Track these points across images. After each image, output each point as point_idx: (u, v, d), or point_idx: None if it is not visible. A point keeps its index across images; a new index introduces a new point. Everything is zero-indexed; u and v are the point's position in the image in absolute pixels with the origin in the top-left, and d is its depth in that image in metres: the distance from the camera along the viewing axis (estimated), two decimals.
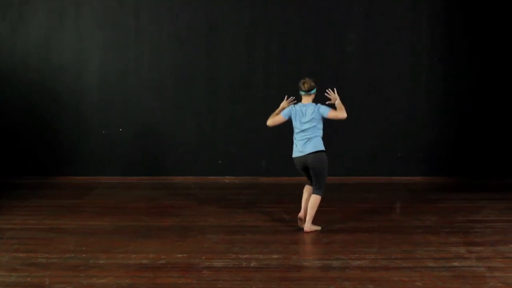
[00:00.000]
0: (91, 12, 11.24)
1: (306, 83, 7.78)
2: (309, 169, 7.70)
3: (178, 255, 6.81)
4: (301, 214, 7.82)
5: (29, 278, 6.08)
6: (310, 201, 7.69)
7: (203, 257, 6.72)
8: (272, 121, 7.85)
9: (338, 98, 7.82)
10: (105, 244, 7.27)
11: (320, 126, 7.71)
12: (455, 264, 6.53)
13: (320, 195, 7.71)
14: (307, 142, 7.62)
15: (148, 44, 11.30)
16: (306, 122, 7.65)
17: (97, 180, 11.14)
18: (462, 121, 11.38)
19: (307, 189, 7.89)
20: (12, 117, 11.26)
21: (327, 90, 7.87)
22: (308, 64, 11.16)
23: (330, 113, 7.66)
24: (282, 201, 9.59)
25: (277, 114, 7.85)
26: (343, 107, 7.70)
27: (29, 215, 8.69)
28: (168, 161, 11.38)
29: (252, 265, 6.49)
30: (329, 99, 7.87)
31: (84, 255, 6.78)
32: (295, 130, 7.75)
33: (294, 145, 7.76)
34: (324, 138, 7.77)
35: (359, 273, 6.23)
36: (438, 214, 8.71)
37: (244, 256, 6.78)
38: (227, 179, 11.32)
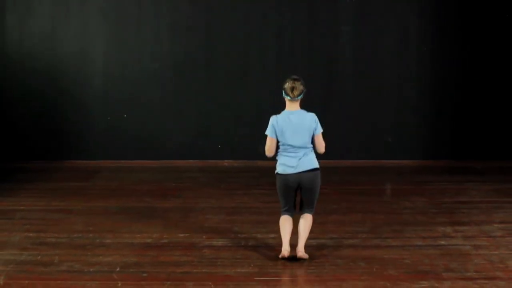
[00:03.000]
0: (96, 4, 11.39)
1: (295, 90, 5.98)
2: (298, 189, 6.21)
3: (180, 235, 6.98)
4: (285, 252, 6.11)
5: (39, 257, 6.25)
6: (305, 223, 6.19)
7: (204, 237, 6.88)
8: (269, 151, 6.25)
9: None
10: (111, 224, 7.43)
11: (310, 141, 6.18)
12: (442, 242, 6.73)
13: (313, 213, 6.30)
14: (302, 158, 6.10)
15: (150, 34, 11.47)
16: (299, 134, 6.10)
17: (101, 164, 11.21)
18: (447, 106, 11.57)
19: (287, 220, 6.20)
20: (20, 105, 11.42)
21: None
22: (302, 52, 11.41)
23: (318, 138, 6.16)
24: None
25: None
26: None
27: (38, 197, 8.85)
28: (170, 146, 11.52)
29: (250, 244, 6.65)
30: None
31: (91, 235, 6.95)
32: (283, 144, 6.16)
33: (280, 160, 6.18)
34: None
35: (352, 252, 6.41)
36: (426, 196, 8.89)
37: (243, 235, 6.94)
38: (226, 163, 11.47)
